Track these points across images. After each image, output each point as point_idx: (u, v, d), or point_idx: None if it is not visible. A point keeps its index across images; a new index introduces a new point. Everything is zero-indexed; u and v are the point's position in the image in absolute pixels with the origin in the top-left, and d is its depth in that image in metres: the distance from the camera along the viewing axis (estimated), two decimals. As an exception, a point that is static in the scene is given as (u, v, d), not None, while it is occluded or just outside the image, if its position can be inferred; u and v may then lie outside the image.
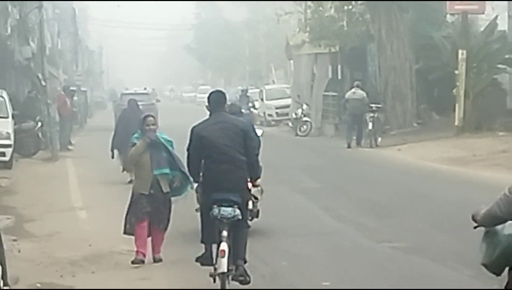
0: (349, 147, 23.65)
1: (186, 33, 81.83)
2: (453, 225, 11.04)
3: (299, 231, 11.22)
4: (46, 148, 23.69)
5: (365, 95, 24.18)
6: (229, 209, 7.39)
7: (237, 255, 7.52)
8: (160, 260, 9.43)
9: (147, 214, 9.29)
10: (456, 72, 22.68)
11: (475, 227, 5.18)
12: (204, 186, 7.69)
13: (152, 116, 9.52)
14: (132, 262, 9.24)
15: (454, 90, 22.89)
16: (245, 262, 7.62)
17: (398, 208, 12.63)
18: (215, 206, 7.42)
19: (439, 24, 26.43)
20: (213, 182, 7.49)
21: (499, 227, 5.01)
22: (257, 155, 8.00)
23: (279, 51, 46.28)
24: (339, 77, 31.18)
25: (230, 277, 7.47)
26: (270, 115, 37.60)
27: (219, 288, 7.49)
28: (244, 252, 7.64)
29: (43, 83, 24.34)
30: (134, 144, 9.44)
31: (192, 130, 7.74)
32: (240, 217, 7.42)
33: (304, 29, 31.38)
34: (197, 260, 7.83)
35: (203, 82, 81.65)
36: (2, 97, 20.80)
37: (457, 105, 22.74)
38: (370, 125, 23.49)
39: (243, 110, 33.68)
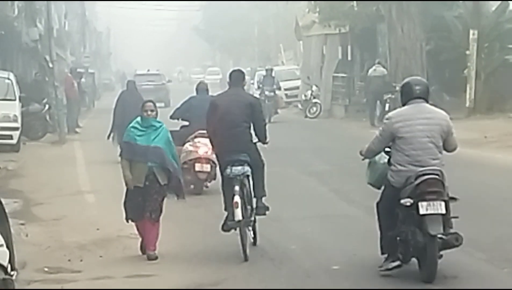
0: (373, 125, 23.68)
1: (195, 14, 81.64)
2: (464, 208, 10.90)
3: (309, 214, 11.14)
4: (53, 131, 23.66)
5: (385, 72, 24.21)
6: (239, 167, 8.85)
7: (257, 193, 9.20)
8: (156, 258, 8.88)
9: (143, 212, 8.92)
10: (467, 52, 22.49)
11: (362, 159, 8.19)
12: (218, 149, 9.21)
13: (152, 102, 9.07)
14: (148, 259, 8.94)
15: (465, 71, 22.70)
16: (264, 195, 9.31)
17: (409, 190, 12.49)
18: (228, 166, 8.90)
19: (450, 4, 26.19)
20: (225, 145, 9.00)
21: (376, 157, 8.03)
22: (265, 124, 9.43)
23: (289, 32, 46.06)
24: (349, 58, 31.00)
25: (246, 224, 8.90)
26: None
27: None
28: (262, 188, 9.25)
29: (51, 65, 24.27)
30: (132, 128, 8.99)
31: (211, 100, 9.61)
32: (249, 173, 8.97)
33: (313, 10, 31.11)
34: (222, 228, 9.07)
35: (212, 64, 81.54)
36: (10, 79, 20.74)
37: (468, 86, 22.56)
38: (386, 106, 23.46)
39: (266, 92, 28.43)
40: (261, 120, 9.23)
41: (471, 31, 22.39)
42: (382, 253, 7.75)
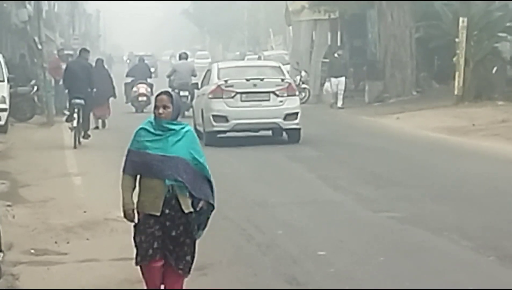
0: None
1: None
2: (451, 196, 10.98)
3: (296, 200, 11.16)
4: (41, 112, 23.59)
5: None
6: (78, 100, 17.21)
7: (84, 121, 17.85)
8: None
9: (159, 251, 6.16)
10: (457, 40, 22.50)
11: (167, 77, 24.91)
12: (69, 90, 17.69)
13: (167, 93, 6.25)
14: None
15: (454, 59, 22.72)
16: (88, 129, 18.11)
17: (396, 178, 12.56)
18: (73, 99, 17.35)
19: (440, -8, 26.20)
20: (74, 88, 17.38)
21: (171, 76, 24.22)
22: (92, 80, 17.76)
23: (278, 17, 46.04)
24: (339, 44, 30.99)
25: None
26: (268, 81, 37.35)
27: None
28: (88, 120, 18.14)
29: (40, 47, 24.18)
30: (141, 131, 6.24)
31: (67, 65, 18.17)
32: (83, 103, 17.32)
33: (303, -5, 31.11)
34: (66, 120, 18.18)
35: (201, 48, 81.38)
36: (-2, 60, 20.63)
37: (457, 74, 22.58)
38: None
39: None
40: (90, 77, 17.48)
41: (460, 19, 22.40)
42: None
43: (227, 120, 16.81)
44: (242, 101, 16.84)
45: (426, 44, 25.69)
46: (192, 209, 6.19)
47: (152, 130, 6.20)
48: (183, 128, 6.21)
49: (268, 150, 16.30)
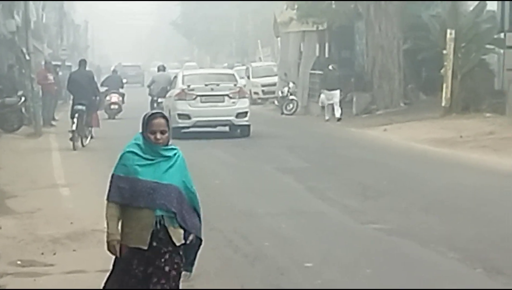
0: None
1: (173, 8, 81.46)
2: (439, 208, 11.00)
3: (283, 211, 11.15)
4: (29, 123, 23.52)
5: None
6: (80, 106, 18.89)
7: (86, 122, 19.60)
8: None
9: (147, 286, 5.50)
10: (444, 52, 22.58)
11: (148, 86, 28.21)
12: (74, 97, 19.23)
13: (163, 116, 5.58)
14: None
15: (442, 70, 22.79)
16: (91, 126, 20.37)
17: (384, 189, 12.57)
18: (76, 105, 18.95)
19: (428, 4, 26.32)
20: (78, 95, 18.98)
21: (151, 86, 27.57)
22: (97, 87, 20.44)
23: (267, 29, 46.12)
24: (327, 55, 31.06)
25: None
26: (256, 93, 37.41)
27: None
28: (89, 120, 19.81)
29: (27, 57, 24.10)
30: (129, 154, 5.53)
31: (70, 74, 20.16)
32: (84, 108, 18.99)
33: (292, 6, 31.16)
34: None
35: (189, 59, 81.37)
36: (-15, 71, 20.58)
37: (444, 86, 22.65)
38: None
39: None
40: (94, 85, 19.78)
41: (448, 31, 22.48)
42: None
43: (189, 118, 20.58)
44: (202, 102, 20.62)
45: (414, 55, 25.77)
46: (183, 241, 5.57)
47: (141, 153, 5.51)
48: (175, 153, 5.59)
49: (256, 161, 16.31)
